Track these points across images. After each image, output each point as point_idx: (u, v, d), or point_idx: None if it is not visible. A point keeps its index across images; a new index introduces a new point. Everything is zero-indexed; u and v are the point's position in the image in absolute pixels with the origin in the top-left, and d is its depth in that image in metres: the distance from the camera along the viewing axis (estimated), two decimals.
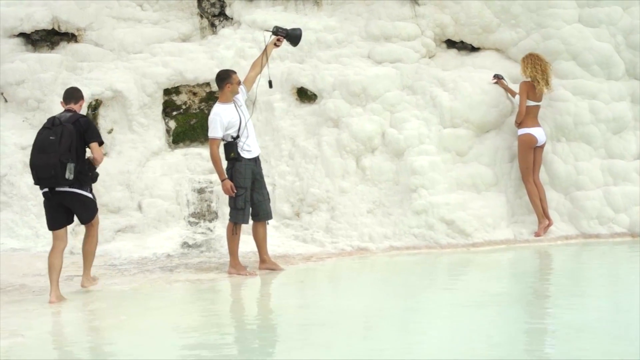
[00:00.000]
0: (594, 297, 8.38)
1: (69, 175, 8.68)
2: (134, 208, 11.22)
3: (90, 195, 9.04)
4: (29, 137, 11.50)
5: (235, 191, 9.62)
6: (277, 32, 10.06)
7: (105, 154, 9.60)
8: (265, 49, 10.07)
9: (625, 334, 6.89)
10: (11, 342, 7.02)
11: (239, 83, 9.82)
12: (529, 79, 11.40)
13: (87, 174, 8.95)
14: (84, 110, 11.27)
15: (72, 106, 9.14)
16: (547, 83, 11.43)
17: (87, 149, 8.97)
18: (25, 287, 9.22)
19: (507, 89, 11.85)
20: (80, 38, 12.37)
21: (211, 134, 9.68)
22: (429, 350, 6.71)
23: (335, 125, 11.71)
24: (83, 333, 7.56)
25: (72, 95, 9.26)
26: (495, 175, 11.68)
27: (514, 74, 12.02)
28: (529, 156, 11.41)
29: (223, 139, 9.69)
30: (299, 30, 10.19)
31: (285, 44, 10.19)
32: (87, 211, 9.08)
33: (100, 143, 9.06)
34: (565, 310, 7.75)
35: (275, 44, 10.10)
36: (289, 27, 10.31)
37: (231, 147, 9.68)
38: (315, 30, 12.46)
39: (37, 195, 11.22)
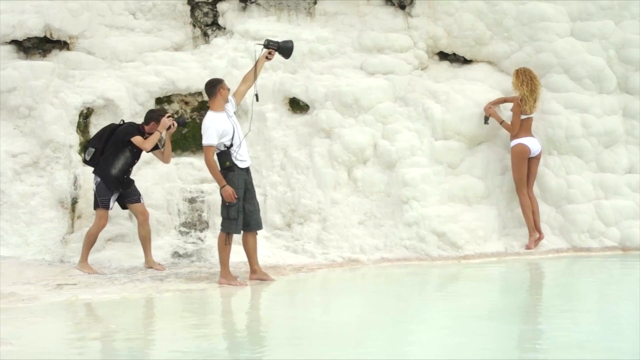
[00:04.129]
0: (585, 311, 8.37)
1: (86, 156, 10.54)
2: (124, 217, 11.17)
3: (95, 182, 10.36)
4: (20, 145, 11.47)
5: (237, 196, 9.59)
6: (269, 45, 9.98)
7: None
8: (257, 63, 10.03)
9: (616, 348, 6.89)
10: (0, 351, 6.97)
11: (228, 90, 9.79)
12: (517, 93, 11.41)
13: (108, 164, 10.32)
14: (74, 118, 11.40)
15: (145, 127, 10.53)
16: (534, 102, 11.42)
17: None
18: (15, 295, 9.16)
19: (498, 119, 11.67)
20: (73, 46, 12.31)
21: (206, 141, 9.58)
22: None
23: (327, 136, 11.70)
24: (72, 342, 7.51)
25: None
26: (486, 188, 11.69)
27: (506, 86, 12.03)
28: (523, 167, 11.40)
29: (216, 148, 9.65)
30: (291, 42, 10.12)
31: (277, 55, 10.14)
32: (95, 195, 10.43)
33: (142, 135, 10.41)
34: (555, 324, 7.74)
35: (266, 57, 10.04)
36: (280, 39, 10.28)
37: (226, 156, 9.63)
38: (307, 41, 12.44)
39: (27, 204, 11.19)
